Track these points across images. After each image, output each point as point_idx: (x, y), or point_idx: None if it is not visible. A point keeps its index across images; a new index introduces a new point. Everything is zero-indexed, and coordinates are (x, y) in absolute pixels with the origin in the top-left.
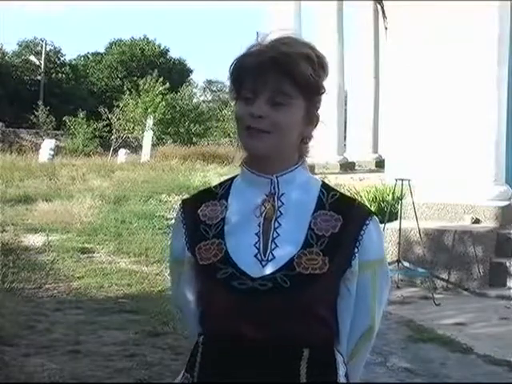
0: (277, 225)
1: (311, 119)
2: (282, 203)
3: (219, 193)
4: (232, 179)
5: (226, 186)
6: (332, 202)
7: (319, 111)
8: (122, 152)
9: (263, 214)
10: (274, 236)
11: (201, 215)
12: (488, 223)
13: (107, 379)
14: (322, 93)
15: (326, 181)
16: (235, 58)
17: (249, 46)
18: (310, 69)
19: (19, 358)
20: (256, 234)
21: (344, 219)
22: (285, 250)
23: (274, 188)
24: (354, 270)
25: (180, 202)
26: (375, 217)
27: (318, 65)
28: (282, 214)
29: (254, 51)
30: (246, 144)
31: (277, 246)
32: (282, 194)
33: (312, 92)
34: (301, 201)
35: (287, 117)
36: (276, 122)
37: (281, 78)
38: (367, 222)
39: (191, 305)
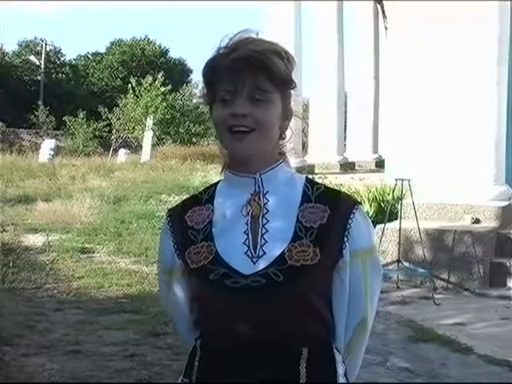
0: (264, 221)
1: (287, 113)
2: (268, 200)
3: (204, 198)
4: (216, 184)
5: (211, 190)
6: (317, 194)
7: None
8: (122, 152)
9: (250, 213)
10: (263, 232)
11: (188, 221)
12: (488, 223)
13: (107, 379)
14: (294, 87)
15: (327, 181)
16: (206, 61)
17: (216, 48)
18: (282, 63)
19: (19, 358)
20: (244, 232)
21: (331, 210)
22: (275, 245)
23: (258, 186)
24: (346, 260)
25: (166, 211)
26: (361, 206)
27: (287, 60)
28: (268, 210)
29: (225, 52)
30: (231, 148)
31: (266, 241)
32: (267, 192)
33: (286, 86)
34: (286, 196)
35: (268, 113)
36: (258, 118)
37: (258, 75)
38: (354, 211)
39: (184, 312)
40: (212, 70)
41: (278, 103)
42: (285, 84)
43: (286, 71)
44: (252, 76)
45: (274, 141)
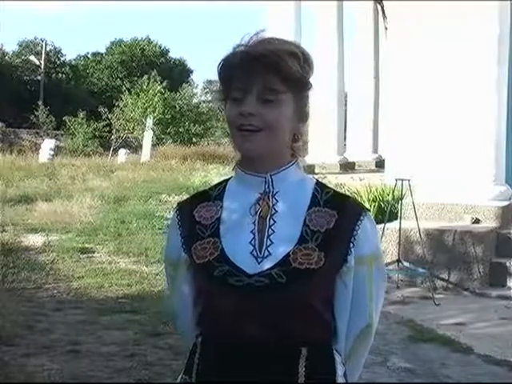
0: (272, 222)
1: (301, 116)
2: (277, 201)
3: (214, 194)
4: (226, 181)
5: (221, 187)
6: (326, 198)
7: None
8: (122, 152)
9: (258, 213)
10: (270, 233)
11: (196, 216)
12: (488, 223)
13: (107, 379)
14: (309, 88)
15: (326, 181)
16: (222, 58)
17: (234, 46)
18: (297, 64)
19: (19, 358)
20: (251, 231)
21: (339, 215)
22: (280, 247)
23: (268, 186)
24: (350, 266)
25: (176, 204)
26: (369, 213)
27: (304, 61)
28: (276, 211)
29: (240, 51)
30: (239, 146)
31: (272, 242)
32: (277, 193)
33: (300, 88)
34: (295, 198)
35: (277, 113)
36: (267, 118)
37: (269, 75)
38: (361, 217)
39: (188, 306)
40: (226, 67)
41: (290, 104)
42: (298, 85)
43: (300, 72)
44: (263, 75)
45: (285, 142)
